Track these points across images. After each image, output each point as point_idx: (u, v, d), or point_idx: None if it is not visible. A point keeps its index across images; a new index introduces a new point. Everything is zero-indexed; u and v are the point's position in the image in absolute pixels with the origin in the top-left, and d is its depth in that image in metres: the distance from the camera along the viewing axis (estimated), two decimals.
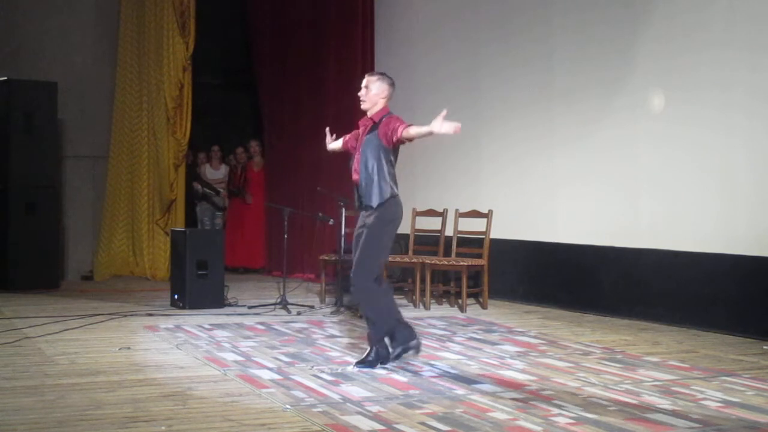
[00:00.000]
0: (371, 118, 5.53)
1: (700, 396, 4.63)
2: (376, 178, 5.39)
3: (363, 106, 5.57)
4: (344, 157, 10.63)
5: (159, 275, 11.14)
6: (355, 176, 5.53)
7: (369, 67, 10.64)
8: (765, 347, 6.18)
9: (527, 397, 4.60)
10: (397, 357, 5.45)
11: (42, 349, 5.97)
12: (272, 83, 12.50)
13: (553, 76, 8.57)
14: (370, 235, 5.38)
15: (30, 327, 6.92)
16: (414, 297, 8.69)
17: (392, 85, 5.58)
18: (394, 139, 5.37)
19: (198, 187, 12.42)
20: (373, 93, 5.51)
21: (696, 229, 7.11)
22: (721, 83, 6.89)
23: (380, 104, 5.53)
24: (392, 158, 5.47)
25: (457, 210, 9.02)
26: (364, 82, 5.58)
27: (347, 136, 5.87)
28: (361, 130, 5.61)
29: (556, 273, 8.58)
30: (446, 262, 8.63)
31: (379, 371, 5.28)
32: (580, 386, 4.87)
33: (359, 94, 5.57)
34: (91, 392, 4.65)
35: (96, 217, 11.63)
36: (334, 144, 6.04)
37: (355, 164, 5.52)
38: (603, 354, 5.93)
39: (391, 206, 5.43)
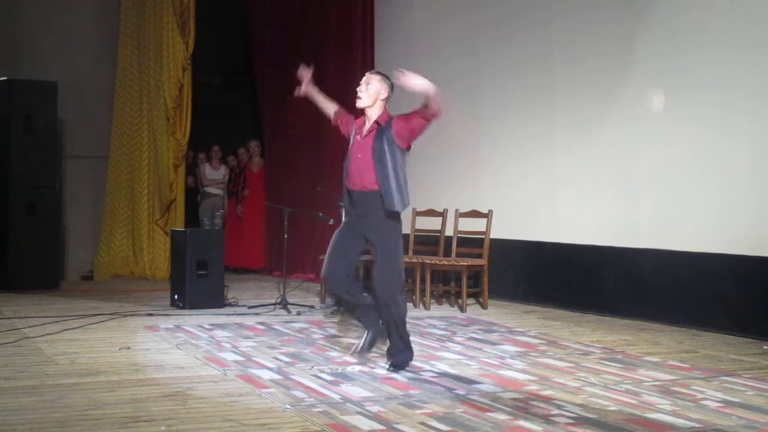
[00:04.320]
0: (376, 121, 5.25)
1: (700, 396, 4.63)
2: (395, 185, 5.15)
3: (360, 103, 5.28)
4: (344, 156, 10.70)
5: (159, 275, 11.14)
6: (354, 183, 5.24)
7: (369, 67, 10.64)
8: (765, 347, 6.18)
9: (527, 397, 4.60)
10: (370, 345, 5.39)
11: (42, 349, 5.97)
12: (272, 83, 12.50)
13: (553, 77, 8.57)
14: (393, 247, 5.28)
15: (30, 327, 6.92)
16: (414, 297, 8.68)
17: (392, 88, 5.32)
18: (420, 125, 5.16)
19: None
20: (372, 90, 5.26)
21: (696, 229, 7.11)
22: (721, 83, 6.89)
23: (380, 106, 5.28)
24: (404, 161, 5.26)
25: (457, 210, 9.02)
26: (364, 79, 5.34)
27: (339, 110, 5.58)
28: (363, 132, 5.30)
29: (556, 273, 8.58)
30: (446, 262, 8.63)
31: (379, 371, 5.28)
32: (580, 386, 4.87)
33: (358, 89, 5.30)
34: (91, 392, 4.65)
35: (96, 217, 11.63)
36: (312, 91, 5.68)
37: (360, 169, 5.22)
38: (603, 354, 5.93)
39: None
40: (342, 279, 5.32)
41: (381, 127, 5.24)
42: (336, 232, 5.44)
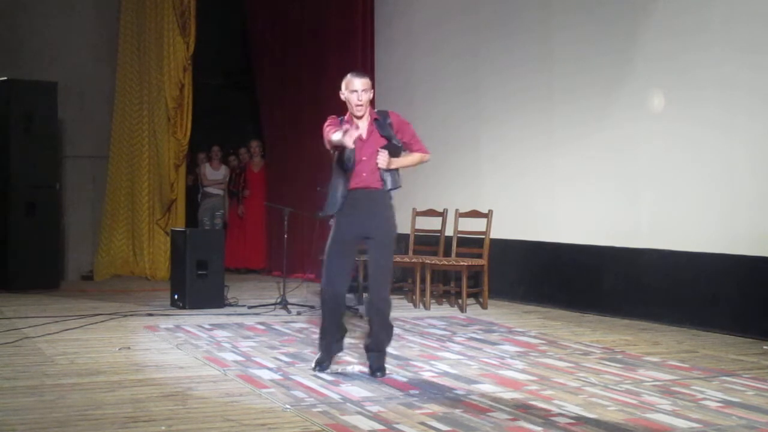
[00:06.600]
0: (375, 119, 5.14)
1: (700, 396, 4.63)
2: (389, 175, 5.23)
3: (360, 113, 5.11)
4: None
5: (159, 275, 11.15)
6: (364, 180, 5.15)
7: (369, 67, 10.64)
8: (765, 347, 6.18)
9: (527, 397, 4.60)
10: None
11: (42, 349, 5.97)
12: (272, 83, 12.50)
13: (553, 76, 8.57)
14: (390, 243, 5.27)
15: (30, 327, 6.92)
16: (414, 297, 8.69)
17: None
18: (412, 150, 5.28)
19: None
20: (369, 97, 5.14)
21: (696, 229, 7.11)
22: (722, 83, 6.89)
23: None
24: None
25: (457, 210, 9.02)
26: (362, 86, 5.08)
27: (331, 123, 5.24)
28: (364, 134, 5.07)
29: (556, 273, 8.58)
30: (446, 262, 8.63)
31: None
32: (580, 386, 4.87)
33: (355, 99, 5.08)
34: (91, 392, 4.65)
35: (96, 217, 11.64)
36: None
37: (370, 167, 5.13)
38: (603, 354, 5.93)
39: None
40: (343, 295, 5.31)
41: (378, 122, 5.16)
42: (334, 243, 5.21)
